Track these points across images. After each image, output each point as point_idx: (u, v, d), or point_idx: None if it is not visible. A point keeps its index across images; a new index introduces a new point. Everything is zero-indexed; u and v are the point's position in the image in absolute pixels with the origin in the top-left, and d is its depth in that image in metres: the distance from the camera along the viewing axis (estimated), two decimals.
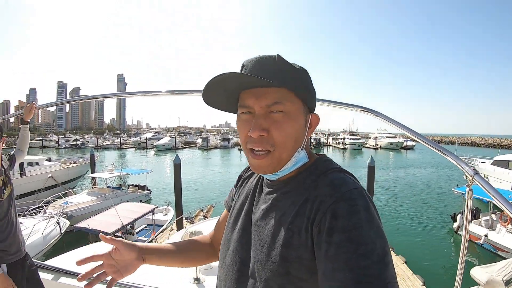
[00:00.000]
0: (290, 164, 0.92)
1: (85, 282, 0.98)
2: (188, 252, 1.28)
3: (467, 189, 1.49)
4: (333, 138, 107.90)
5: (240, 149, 79.92)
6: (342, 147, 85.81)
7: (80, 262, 0.98)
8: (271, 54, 0.90)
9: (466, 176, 1.42)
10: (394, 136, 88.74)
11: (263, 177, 1.07)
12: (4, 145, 2.51)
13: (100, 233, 1.09)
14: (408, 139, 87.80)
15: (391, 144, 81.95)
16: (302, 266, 0.80)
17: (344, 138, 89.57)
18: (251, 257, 0.93)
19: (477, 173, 1.38)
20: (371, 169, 14.93)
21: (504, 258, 11.34)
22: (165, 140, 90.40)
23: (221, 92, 0.92)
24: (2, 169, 2.50)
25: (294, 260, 0.80)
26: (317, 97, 1.02)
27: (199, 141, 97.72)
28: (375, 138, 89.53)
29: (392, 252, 12.09)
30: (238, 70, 0.93)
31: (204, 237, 1.38)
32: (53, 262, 3.48)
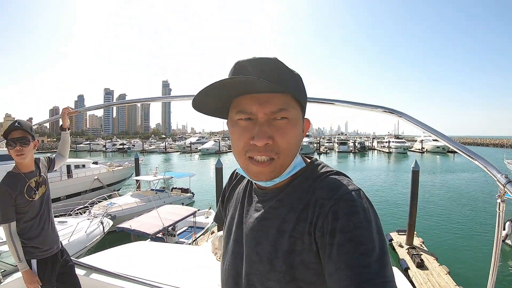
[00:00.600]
0: (289, 169, 0.89)
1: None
2: None
3: (499, 200, 1.27)
4: (378, 142, 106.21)
5: None
6: (387, 151, 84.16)
7: None
8: (267, 56, 0.85)
9: (498, 185, 1.22)
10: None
11: (252, 185, 1.05)
12: (36, 148, 2.61)
13: None
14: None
15: (438, 147, 78.86)
16: (309, 269, 0.80)
17: (389, 142, 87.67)
18: (245, 268, 0.91)
19: (510, 181, 1.18)
20: (415, 174, 14.35)
21: None
22: (209, 144, 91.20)
23: (218, 97, 0.87)
24: (37, 170, 2.64)
25: (299, 265, 0.80)
26: (337, 98, 0.97)
27: None
28: (421, 141, 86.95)
29: (435, 261, 11.68)
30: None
31: None
32: (86, 259, 3.55)
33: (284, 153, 0.85)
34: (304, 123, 0.94)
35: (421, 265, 11.22)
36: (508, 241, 14.09)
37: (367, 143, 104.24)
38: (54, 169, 2.89)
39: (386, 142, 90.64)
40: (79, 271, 3.11)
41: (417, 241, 13.75)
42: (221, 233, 3.41)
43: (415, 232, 13.98)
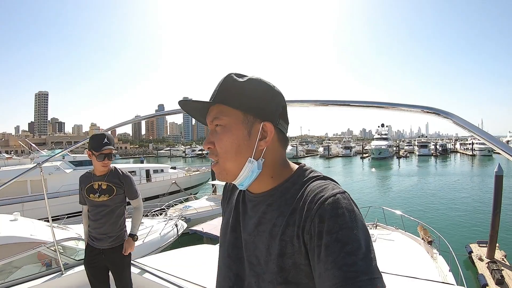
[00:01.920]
0: (245, 173, 0.95)
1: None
2: None
3: None
4: (461, 144, 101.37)
5: (362, 158, 79.33)
6: (471, 153, 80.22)
7: None
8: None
9: None
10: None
11: (245, 192, 1.09)
12: (90, 157, 3.14)
13: None
14: None
15: None
16: (300, 271, 0.83)
17: (472, 144, 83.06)
18: (244, 271, 0.97)
19: None
20: (499, 179, 13.13)
21: None
22: (288, 149, 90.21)
23: (195, 115, 1.07)
24: (107, 177, 3.17)
25: (291, 268, 0.84)
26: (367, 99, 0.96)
27: (321, 149, 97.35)
28: (507, 142, 79.98)
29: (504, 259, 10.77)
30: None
31: None
32: (144, 260, 3.74)
33: (221, 157, 0.95)
34: (262, 127, 0.95)
35: (501, 282, 10.32)
36: None
37: (449, 146, 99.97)
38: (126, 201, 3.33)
39: (470, 144, 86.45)
40: (133, 270, 3.42)
41: (498, 255, 12.49)
42: None
43: (497, 245, 12.81)
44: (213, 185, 24.12)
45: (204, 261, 4.48)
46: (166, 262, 4.01)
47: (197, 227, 13.48)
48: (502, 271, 10.89)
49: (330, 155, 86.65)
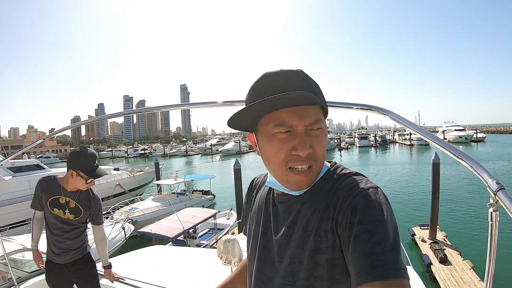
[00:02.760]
0: (319, 174, 0.95)
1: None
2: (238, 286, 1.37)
3: (491, 209, 1.06)
4: (399, 135, 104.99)
5: None
6: (409, 143, 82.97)
7: None
8: (292, 69, 0.90)
9: (489, 192, 1.02)
10: (463, 128, 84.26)
11: (273, 192, 1.07)
12: (73, 176, 2.80)
13: None
14: (478, 131, 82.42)
15: (461, 137, 76.99)
16: (335, 266, 0.83)
17: (410, 134, 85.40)
18: (277, 272, 0.95)
19: (502, 188, 0.98)
20: (436, 166, 14.00)
21: None
22: (230, 145, 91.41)
23: (257, 112, 0.89)
24: (77, 196, 2.90)
25: (326, 263, 0.83)
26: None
27: None
28: (443, 131, 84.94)
29: (459, 256, 11.41)
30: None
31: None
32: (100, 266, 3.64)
33: (320, 160, 0.91)
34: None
35: (444, 260, 11.00)
36: None
37: (388, 137, 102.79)
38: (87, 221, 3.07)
39: (408, 134, 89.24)
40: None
41: (440, 236, 13.47)
42: (226, 237, 3.45)
43: (437, 227, 13.73)
44: (158, 185, 23.91)
45: (160, 262, 4.40)
46: (124, 266, 3.90)
47: (145, 229, 13.21)
48: (445, 250, 11.60)
49: None
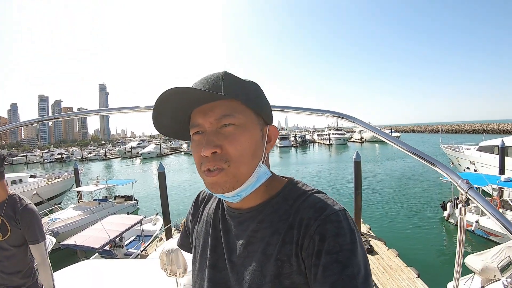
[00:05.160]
0: (252, 180, 0.86)
1: None
2: None
3: (460, 205, 1.26)
4: (318, 135, 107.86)
5: None
6: (328, 143, 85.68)
7: None
8: (217, 72, 0.87)
9: (460, 191, 1.20)
10: (379, 128, 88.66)
11: (223, 206, 1.01)
12: None
13: None
14: (392, 130, 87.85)
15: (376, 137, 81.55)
16: None
17: (329, 134, 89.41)
18: None
19: (471, 187, 1.15)
20: (357, 164, 14.76)
21: (496, 243, 11.57)
22: (150, 147, 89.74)
23: (169, 114, 0.87)
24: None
25: None
26: (290, 105, 0.94)
27: (185, 146, 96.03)
28: (360, 131, 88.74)
29: (384, 245, 12.17)
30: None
31: None
32: None
33: (236, 161, 0.83)
34: (270, 131, 0.92)
35: (370, 251, 11.74)
36: (451, 220, 15.30)
37: (307, 137, 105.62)
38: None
39: (326, 134, 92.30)
40: None
41: (364, 228, 14.41)
42: (168, 247, 3.35)
43: (361, 220, 14.59)
44: (78, 192, 22.67)
45: (98, 280, 4.12)
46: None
47: (69, 241, 12.54)
48: (370, 241, 12.48)
49: None
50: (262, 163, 0.89)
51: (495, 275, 7.70)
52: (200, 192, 1.18)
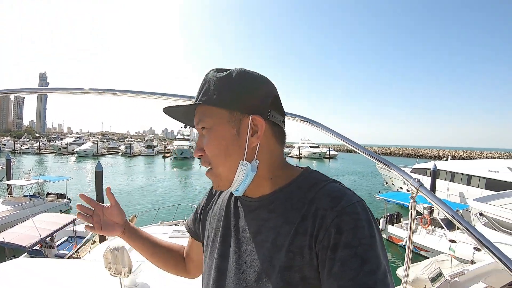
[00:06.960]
0: (239, 178, 0.87)
1: None
2: (161, 248, 1.29)
3: (411, 200, 1.49)
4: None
5: (164, 157, 77.44)
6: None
7: (82, 196, 1.24)
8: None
9: (411, 188, 1.42)
10: (317, 146, 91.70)
11: (235, 195, 1.02)
12: None
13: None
14: (331, 149, 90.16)
15: (315, 153, 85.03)
16: (308, 286, 0.76)
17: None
18: (238, 286, 0.86)
19: (421, 184, 1.39)
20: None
21: (425, 257, 12.27)
22: (87, 146, 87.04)
23: (181, 118, 0.98)
24: None
25: (298, 283, 0.76)
26: None
27: (122, 147, 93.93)
28: (299, 147, 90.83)
29: None
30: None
31: (180, 247, 1.35)
32: None
33: (213, 162, 0.88)
34: (253, 122, 0.86)
35: None
36: (383, 236, 15.78)
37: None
38: None
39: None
40: None
41: None
42: (113, 245, 3.19)
43: None
44: (8, 185, 21.21)
45: (34, 281, 3.89)
46: None
47: None
48: None
49: (132, 153, 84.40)
50: (247, 159, 0.86)
51: (425, 286, 8.20)
52: None
